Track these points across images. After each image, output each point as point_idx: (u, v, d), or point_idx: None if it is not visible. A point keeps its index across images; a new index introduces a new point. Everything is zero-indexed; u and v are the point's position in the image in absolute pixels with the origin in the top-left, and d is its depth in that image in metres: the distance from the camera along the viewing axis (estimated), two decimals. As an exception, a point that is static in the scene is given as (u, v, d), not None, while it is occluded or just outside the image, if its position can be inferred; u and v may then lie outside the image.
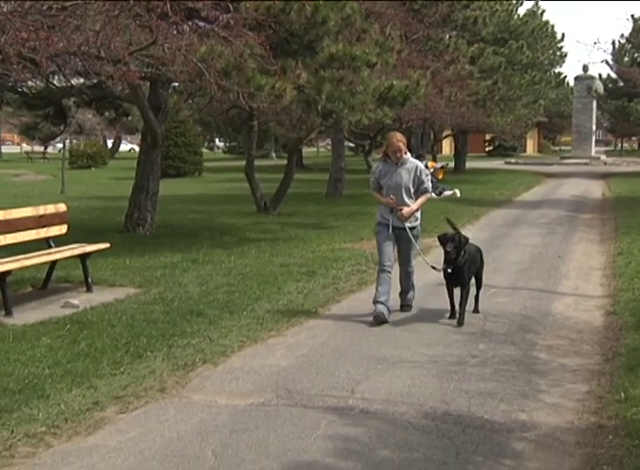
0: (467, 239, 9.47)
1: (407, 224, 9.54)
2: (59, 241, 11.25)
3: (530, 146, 78.06)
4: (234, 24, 12.29)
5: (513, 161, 57.48)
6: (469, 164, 47.43)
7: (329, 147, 46.06)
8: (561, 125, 77.86)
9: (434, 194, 27.89)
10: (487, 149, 70.48)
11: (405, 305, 9.93)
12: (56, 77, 17.36)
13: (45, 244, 11.04)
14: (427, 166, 29.03)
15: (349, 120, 15.69)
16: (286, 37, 13.59)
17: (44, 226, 11.07)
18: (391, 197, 9.49)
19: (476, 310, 9.74)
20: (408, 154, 9.79)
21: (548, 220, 20.75)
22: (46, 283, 11.14)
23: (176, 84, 17.80)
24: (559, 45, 57.72)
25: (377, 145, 37.66)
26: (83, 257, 10.97)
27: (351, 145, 43.34)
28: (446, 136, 51.40)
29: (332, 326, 9.13)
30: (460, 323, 9.09)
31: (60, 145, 56.19)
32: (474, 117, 32.89)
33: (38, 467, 5.25)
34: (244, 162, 25.38)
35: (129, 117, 48.38)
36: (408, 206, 9.52)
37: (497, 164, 53.53)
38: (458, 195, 27.84)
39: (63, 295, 10.58)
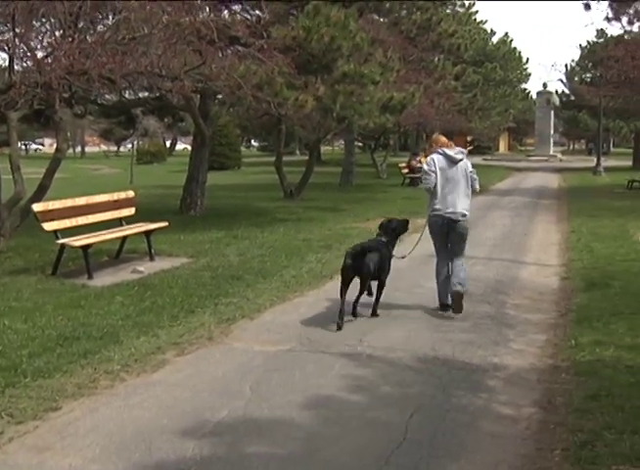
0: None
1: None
2: (128, 220, 11.30)
3: (502, 146, 77.53)
4: (266, 48, 12.32)
5: (489, 157, 57.47)
6: (453, 160, 46.98)
7: (342, 146, 46.09)
8: (526, 130, 77.19)
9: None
10: (469, 148, 70.06)
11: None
12: (127, 92, 17.41)
13: (118, 223, 11.11)
14: (420, 161, 29.20)
15: (359, 124, 15.70)
16: (308, 59, 13.55)
17: (117, 209, 11.17)
18: None
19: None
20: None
21: (516, 205, 20.65)
22: (118, 254, 11.20)
23: (220, 96, 17.80)
24: (524, 66, 58.39)
25: (381, 144, 37.73)
26: (147, 233, 11.02)
27: (360, 144, 43.12)
28: (435, 138, 51.18)
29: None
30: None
31: (129, 145, 56.40)
32: (458, 123, 33.26)
33: (115, 396, 5.29)
34: (274, 157, 25.43)
35: (183, 123, 48.21)
36: None
37: (476, 160, 53.00)
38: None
39: (131, 263, 10.62)
